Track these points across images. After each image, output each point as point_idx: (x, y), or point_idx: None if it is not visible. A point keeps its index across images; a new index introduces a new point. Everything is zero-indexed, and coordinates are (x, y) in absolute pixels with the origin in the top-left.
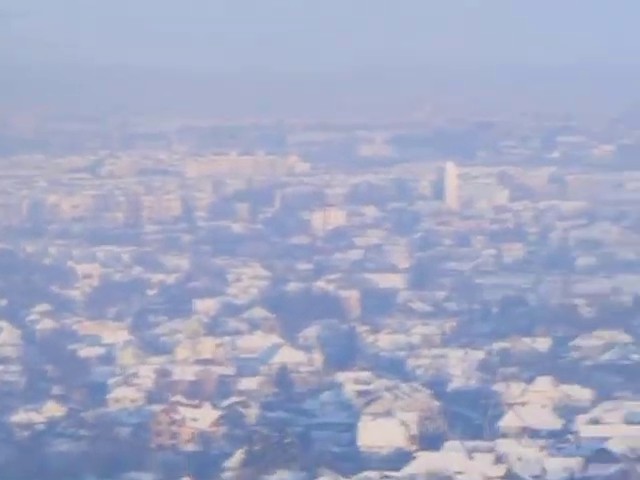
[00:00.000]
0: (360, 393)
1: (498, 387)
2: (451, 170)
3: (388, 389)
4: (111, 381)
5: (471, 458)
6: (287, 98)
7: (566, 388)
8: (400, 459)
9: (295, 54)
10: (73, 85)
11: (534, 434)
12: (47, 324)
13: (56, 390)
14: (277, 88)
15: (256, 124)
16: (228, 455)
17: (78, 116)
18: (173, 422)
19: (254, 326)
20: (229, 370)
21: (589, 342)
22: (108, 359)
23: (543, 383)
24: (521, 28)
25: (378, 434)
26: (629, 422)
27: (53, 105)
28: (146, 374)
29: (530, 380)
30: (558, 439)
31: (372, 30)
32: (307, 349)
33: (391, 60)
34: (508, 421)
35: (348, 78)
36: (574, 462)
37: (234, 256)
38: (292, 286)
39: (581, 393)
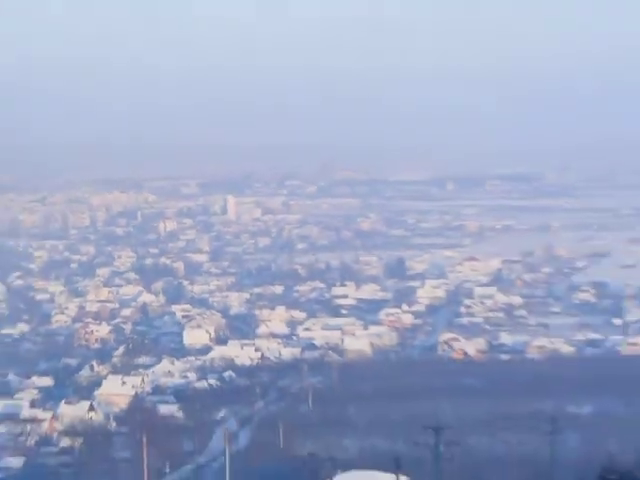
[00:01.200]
0: (184, 317)
1: (257, 312)
2: (231, 200)
3: (199, 314)
4: (53, 312)
5: (242, 348)
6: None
7: (293, 312)
8: (206, 350)
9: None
10: None
11: (275, 336)
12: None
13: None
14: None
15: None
16: (116, 349)
17: None
18: (87, 333)
19: (129, 282)
20: (116, 306)
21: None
22: (52, 300)
23: (280, 310)
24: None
25: (194, 337)
26: (325, 329)
27: None
28: (72, 308)
29: (273, 307)
30: (288, 339)
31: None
32: (157, 294)
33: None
34: (262, 329)
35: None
36: (297, 350)
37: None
38: (149, 261)
39: (299, 315)
